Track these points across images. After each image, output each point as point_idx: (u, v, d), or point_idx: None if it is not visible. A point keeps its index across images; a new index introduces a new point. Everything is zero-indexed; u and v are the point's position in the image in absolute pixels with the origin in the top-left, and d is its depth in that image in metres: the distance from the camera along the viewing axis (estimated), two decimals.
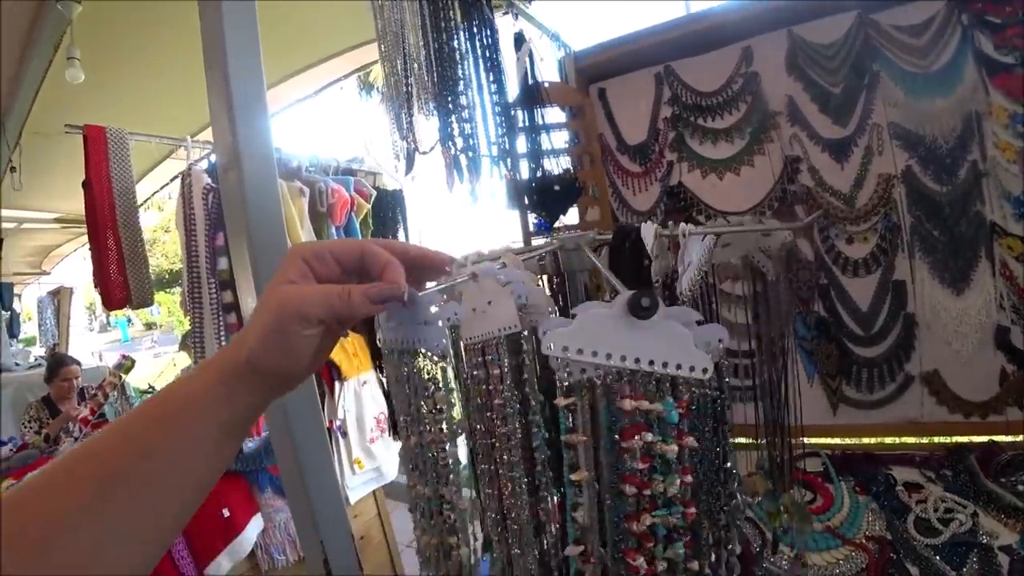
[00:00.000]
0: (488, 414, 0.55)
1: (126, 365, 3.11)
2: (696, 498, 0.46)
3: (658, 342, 0.41)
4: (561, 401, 0.44)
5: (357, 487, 2.12)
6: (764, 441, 0.91)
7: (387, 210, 2.22)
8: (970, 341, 1.37)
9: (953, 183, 1.36)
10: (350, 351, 2.03)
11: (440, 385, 0.52)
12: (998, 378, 1.36)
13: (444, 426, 0.52)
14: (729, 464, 0.51)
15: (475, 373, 0.56)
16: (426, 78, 1.09)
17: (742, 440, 1.15)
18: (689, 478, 0.44)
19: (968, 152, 1.35)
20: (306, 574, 1.33)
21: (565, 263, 0.71)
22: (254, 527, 1.94)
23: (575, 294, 0.69)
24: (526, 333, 0.54)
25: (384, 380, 2.20)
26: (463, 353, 0.59)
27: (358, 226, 2.07)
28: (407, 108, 1.12)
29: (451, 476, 0.52)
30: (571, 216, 1.45)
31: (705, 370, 0.42)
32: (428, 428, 0.53)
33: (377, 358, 2.19)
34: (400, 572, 2.38)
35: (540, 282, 0.71)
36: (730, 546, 0.56)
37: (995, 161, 1.33)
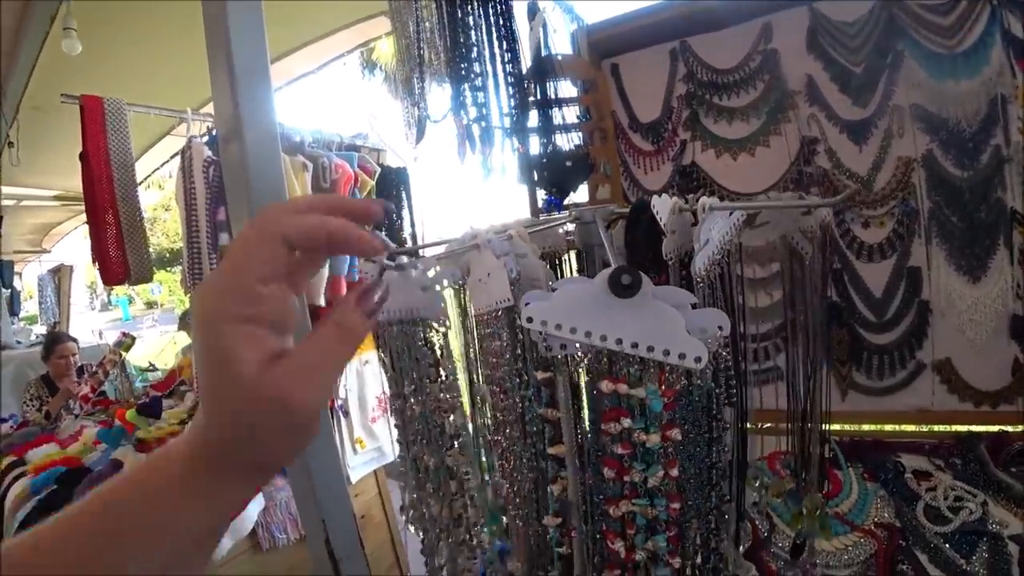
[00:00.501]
0: (493, 387, 0.53)
1: (126, 343, 3.11)
2: (683, 493, 0.43)
3: (644, 324, 0.38)
4: (539, 375, 0.42)
5: (358, 467, 2.12)
6: (789, 432, 0.88)
7: (391, 188, 2.19)
8: (984, 330, 1.35)
9: (975, 168, 1.33)
10: None
11: (443, 353, 0.50)
12: (1011, 368, 1.34)
13: (449, 394, 0.50)
14: (720, 463, 0.47)
15: (483, 345, 0.54)
16: (438, 43, 1.05)
17: (758, 425, 1.12)
18: (675, 472, 0.41)
19: (991, 136, 1.31)
20: (308, 553, 1.32)
21: (583, 237, 0.68)
22: (255, 506, 1.93)
23: (593, 269, 0.66)
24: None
25: (383, 359, 2.18)
26: (474, 322, 0.57)
27: None
28: (419, 73, 1.08)
29: (457, 444, 0.50)
30: (581, 194, 1.42)
31: (698, 359, 0.37)
32: (432, 396, 0.51)
33: (378, 337, 2.18)
34: (401, 551, 2.39)
35: (567, 256, 0.69)
36: (719, 548, 0.53)
37: (1019, 146, 1.29)
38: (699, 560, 0.45)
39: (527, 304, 0.42)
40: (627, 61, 1.58)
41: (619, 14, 1.52)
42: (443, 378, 0.51)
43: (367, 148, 2.24)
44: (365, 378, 2.08)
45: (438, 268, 0.51)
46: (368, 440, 2.12)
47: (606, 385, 0.39)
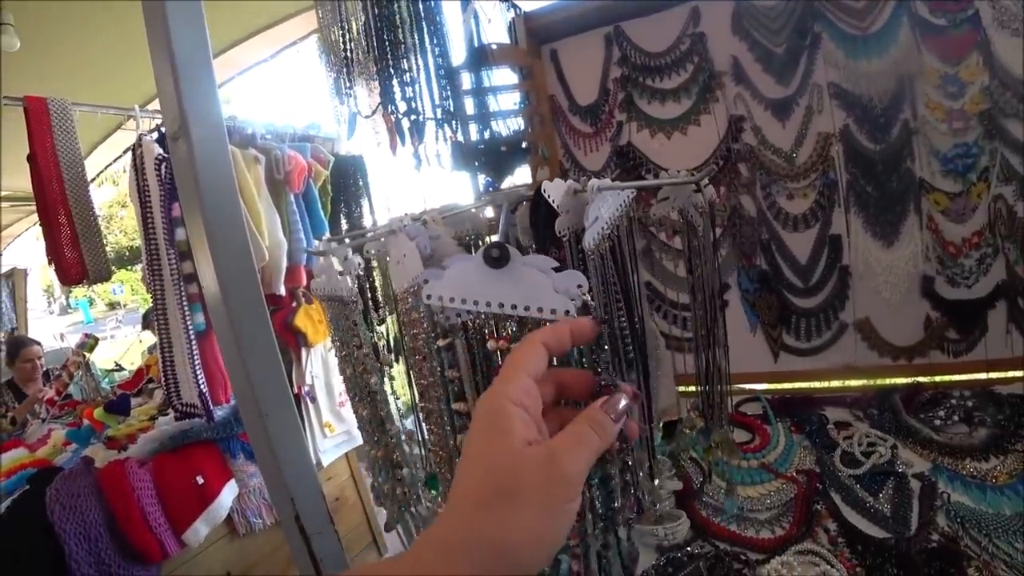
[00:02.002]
0: (418, 357, 0.60)
1: (89, 343, 3.08)
2: None
3: (518, 288, 0.44)
4: (440, 343, 0.48)
5: (329, 450, 2.18)
6: (702, 387, 0.97)
7: (347, 177, 2.21)
8: (898, 290, 1.46)
9: (886, 141, 1.43)
10: (315, 318, 2.05)
11: (356, 322, 0.56)
12: (923, 324, 1.46)
13: (368, 358, 0.57)
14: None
15: (404, 321, 0.60)
16: (365, 43, 1.09)
17: (686, 388, 1.23)
18: None
19: (900, 112, 1.41)
20: (282, 533, 1.39)
21: (500, 220, 0.75)
22: (228, 492, 1.98)
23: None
24: None
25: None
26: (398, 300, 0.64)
27: (317, 193, 2.06)
28: (345, 73, 1.12)
29: (379, 397, 0.56)
30: (525, 178, 1.48)
31: (567, 312, 0.43)
32: (359, 360, 0.58)
33: None
34: (378, 530, 2.47)
35: (488, 239, 0.75)
36: (617, 503, 0.58)
37: (925, 120, 1.39)
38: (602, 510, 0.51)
39: (425, 282, 0.49)
40: (565, 46, 1.64)
41: (555, 1, 1.57)
42: (359, 345, 0.58)
43: (320, 138, 2.25)
44: (330, 364, 2.13)
45: (349, 254, 0.57)
46: (337, 424, 2.18)
47: (491, 344, 0.46)
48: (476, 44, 1.27)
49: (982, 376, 1.43)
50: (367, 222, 2.29)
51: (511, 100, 1.44)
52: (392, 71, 1.09)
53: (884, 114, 1.42)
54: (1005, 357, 1.41)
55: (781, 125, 1.49)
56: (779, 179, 1.50)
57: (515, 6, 1.44)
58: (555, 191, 0.63)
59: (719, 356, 0.83)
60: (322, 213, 2.10)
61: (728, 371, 0.82)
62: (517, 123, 1.44)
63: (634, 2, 1.52)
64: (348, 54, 1.12)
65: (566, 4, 1.55)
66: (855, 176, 1.46)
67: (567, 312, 0.45)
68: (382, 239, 0.69)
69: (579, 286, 0.45)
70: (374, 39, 1.06)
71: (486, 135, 1.29)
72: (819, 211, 1.49)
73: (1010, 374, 1.40)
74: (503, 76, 1.42)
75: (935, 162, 1.40)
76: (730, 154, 1.52)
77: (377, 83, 1.12)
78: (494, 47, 1.33)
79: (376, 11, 1.07)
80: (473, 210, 0.68)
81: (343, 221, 2.23)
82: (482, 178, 1.34)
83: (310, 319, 2.03)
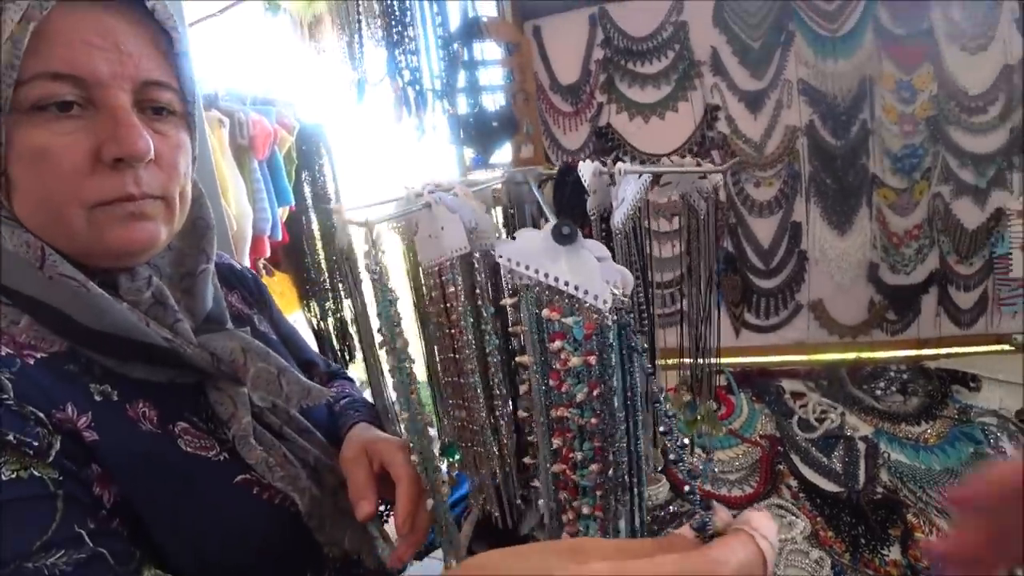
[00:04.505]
0: (448, 330, 0.61)
1: None
2: (604, 414, 0.50)
3: (573, 267, 0.47)
4: (507, 301, 0.50)
5: None
6: (688, 361, 1.03)
7: (311, 144, 2.11)
8: (848, 275, 1.60)
9: (846, 138, 1.54)
10: (277, 291, 1.98)
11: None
12: (867, 306, 1.61)
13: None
14: (635, 394, 0.52)
15: (433, 295, 0.61)
16: (375, 8, 1.05)
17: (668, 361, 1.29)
18: (596, 391, 0.49)
19: (860, 111, 1.52)
20: None
21: (514, 196, 0.76)
22: None
23: (523, 223, 0.74)
24: (477, 255, 0.59)
25: (310, 319, 2.18)
26: (422, 276, 0.64)
27: (282, 160, 1.96)
28: (358, 38, 1.08)
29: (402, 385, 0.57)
30: (505, 154, 1.48)
31: (605, 301, 0.46)
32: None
33: (304, 297, 2.16)
34: None
35: (494, 212, 0.76)
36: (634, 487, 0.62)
37: (881, 121, 1.51)
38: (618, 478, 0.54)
39: (499, 247, 0.51)
40: (549, 24, 1.63)
41: None
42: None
43: (281, 103, 2.12)
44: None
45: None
46: None
47: (546, 312, 0.49)
48: (469, 15, 1.25)
49: (914, 352, 1.59)
50: (331, 191, 2.20)
51: (496, 76, 1.43)
52: (397, 38, 1.05)
53: (846, 112, 1.52)
54: (934, 336, 1.58)
55: (753, 116, 1.57)
56: (748, 167, 1.59)
57: None
58: (586, 172, 0.65)
59: (711, 333, 0.89)
60: (287, 182, 2.00)
61: (719, 347, 0.88)
62: (505, 99, 1.43)
63: None
64: (359, 17, 1.06)
65: None
66: (816, 168, 1.57)
67: (605, 301, 0.47)
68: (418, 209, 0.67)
69: (616, 284, 0.47)
70: (384, 4, 1.02)
71: (476, 110, 1.28)
72: (783, 199, 1.59)
73: (937, 351, 1.58)
74: (490, 51, 1.40)
75: (887, 160, 1.52)
76: (704, 141, 1.59)
77: (380, 48, 1.08)
78: (485, 19, 1.31)
79: None
80: (498, 185, 0.68)
81: (307, 190, 2.14)
82: (468, 153, 1.33)
83: (274, 292, 1.95)
